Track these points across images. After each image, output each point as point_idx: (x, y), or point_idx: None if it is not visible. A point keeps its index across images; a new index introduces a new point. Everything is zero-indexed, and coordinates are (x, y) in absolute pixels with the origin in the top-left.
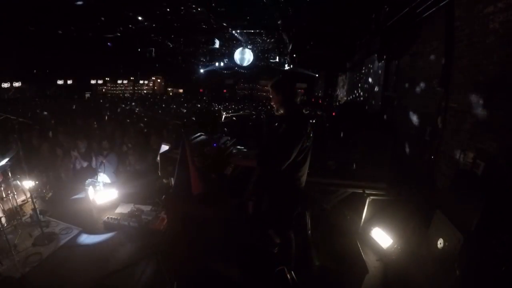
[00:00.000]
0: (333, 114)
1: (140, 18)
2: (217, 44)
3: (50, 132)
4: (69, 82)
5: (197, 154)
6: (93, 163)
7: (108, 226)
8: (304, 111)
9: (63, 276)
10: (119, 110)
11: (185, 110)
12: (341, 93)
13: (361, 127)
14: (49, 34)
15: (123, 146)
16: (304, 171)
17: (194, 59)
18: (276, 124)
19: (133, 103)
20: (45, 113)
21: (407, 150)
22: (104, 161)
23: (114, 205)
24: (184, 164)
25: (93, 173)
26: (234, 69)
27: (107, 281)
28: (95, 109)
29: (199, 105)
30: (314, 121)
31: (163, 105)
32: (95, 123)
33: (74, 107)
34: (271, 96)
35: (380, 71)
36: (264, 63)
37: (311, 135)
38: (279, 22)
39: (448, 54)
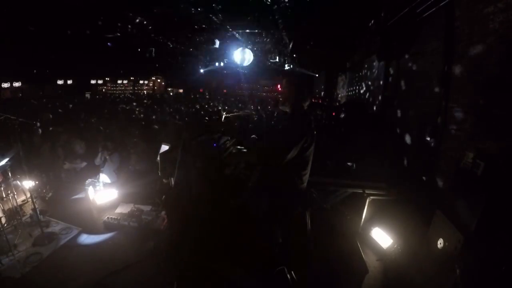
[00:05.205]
0: (333, 114)
1: (140, 18)
2: (217, 44)
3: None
4: (69, 82)
5: (197, 154)
6: (97, 160)
7: (108, 226)
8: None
9: (63, 276)
10: (119, 107)
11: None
12: (341, 93)
13: (361, 127)
14: (49, 34)
15: (131, 151)
16: (306, 171)
17: (194, 59)
18: (278, 121)
19: (134, 104)
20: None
21: (407, 150)
22: (107, 157)
23: (114, 205)
24: (184, 164)
25: (94, 172)
26: (234, 69)
27: (107, 281)
28: (99, 109)
29: (198, 106)
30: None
31: (163, 105)
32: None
33: (71, 106)
34: (281, 88)
35: (380, 71)
36: (264, 63)
37: (314, 135)
38: (279, 22)
39: (448, 54)
